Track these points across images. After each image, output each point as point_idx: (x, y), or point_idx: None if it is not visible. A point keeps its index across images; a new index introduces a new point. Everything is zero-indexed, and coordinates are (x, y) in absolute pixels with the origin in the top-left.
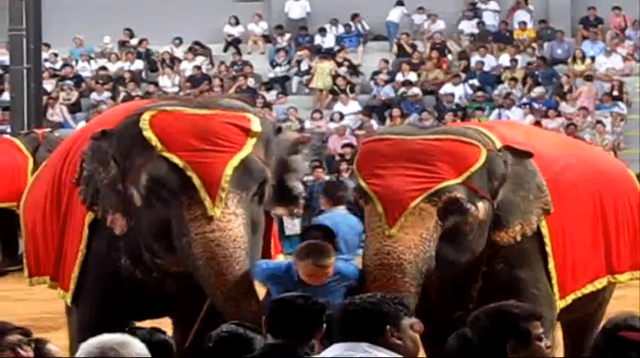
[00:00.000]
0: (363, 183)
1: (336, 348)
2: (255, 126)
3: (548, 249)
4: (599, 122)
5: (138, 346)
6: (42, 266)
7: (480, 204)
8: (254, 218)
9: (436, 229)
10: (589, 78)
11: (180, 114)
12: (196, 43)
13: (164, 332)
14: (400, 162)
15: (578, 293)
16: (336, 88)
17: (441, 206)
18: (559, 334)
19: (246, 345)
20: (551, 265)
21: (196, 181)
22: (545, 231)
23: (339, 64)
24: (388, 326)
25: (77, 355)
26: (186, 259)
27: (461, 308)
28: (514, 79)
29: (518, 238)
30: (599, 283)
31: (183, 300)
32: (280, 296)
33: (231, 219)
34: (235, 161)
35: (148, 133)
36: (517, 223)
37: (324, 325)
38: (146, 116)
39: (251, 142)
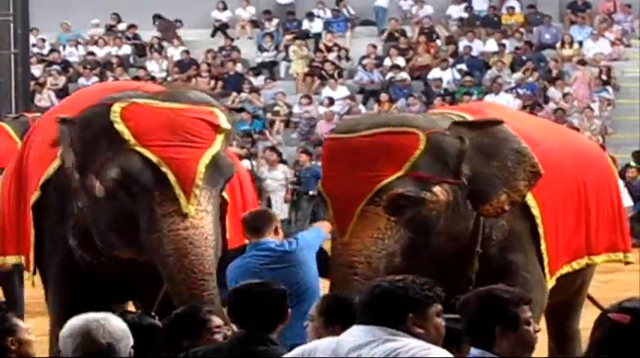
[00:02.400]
0: (320, 187)
1: (355, 331)
2: (224, 122)
3: (541, 230)
4: (587, 107)
5: (117, 321)
6: (6, 246)
7: (437, 188)
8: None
9: (390, 226)
10: (582, 62)
11: (151, 108)
12: (157, 16)
13: (153, 316)
14: (343, 163)
15: (558, 274)
16: (323, 72)
17: (385, 205)
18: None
19: (201, 325)
20: (543, 247)
21: (171, 177)
22: (536, 211)
23: (329, 49)
24: (411, 314)
25: (62, 331)
26: (154, 254)
27: (459, 292)
28: (502, 62)
29: (507, 207)
30: (578, 264)
31: (142, 285)
32: (237, 286)
33: (203, 217)
34: (207, 158)
35: (120, 126)
36: (501, 193)
37: (289, 310)
38: (117, 108)
39: (220, 138)
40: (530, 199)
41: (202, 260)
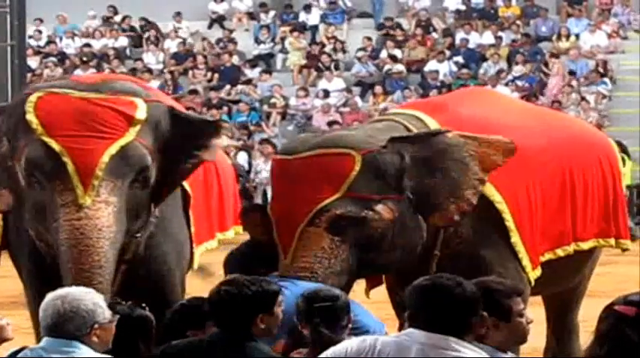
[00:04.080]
0: (269, 208)
1: (415, 335)
2: (140, 113)
3: (509, 223)
4: (583, 99)
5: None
6: None
7: (380, 207)
8: (134, 205)
9: (335, 246)
10: (556, 56)
11: (66, 98)
12: (143, 19)
13: (144, 308)
14: (284, 185)
15: (543, 258)
16: (320, 65)
17: (326, 226)
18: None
19: (207, 316)
20: (514, 239)
21: (70, 168)
22: (502, 206)
23: (328, 39)
24: (474, 318)
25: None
26: (54, 243)
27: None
28: (498, 55)
29: (456, 217)
30: (563, 251)
31: None
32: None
33: (100, 208)
34: (114, 148)
35: (30, 116)
36: (448, 203)
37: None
38: (32, 98)
39: (134, 129)
40: (494, 194)
41: (92, 251)
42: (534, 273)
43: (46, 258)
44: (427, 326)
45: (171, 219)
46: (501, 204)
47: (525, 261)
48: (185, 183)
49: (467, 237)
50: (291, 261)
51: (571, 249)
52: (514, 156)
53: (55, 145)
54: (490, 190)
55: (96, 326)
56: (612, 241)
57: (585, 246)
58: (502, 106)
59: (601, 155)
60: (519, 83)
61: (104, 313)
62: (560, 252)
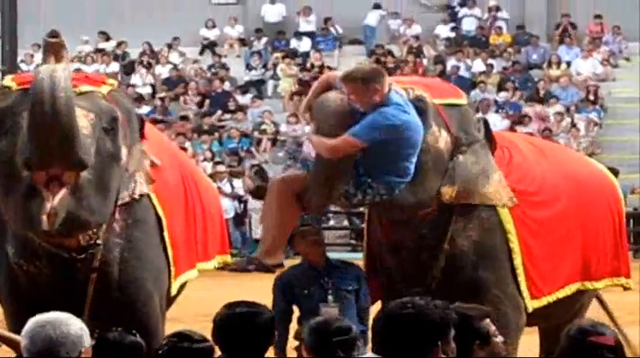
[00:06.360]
0: None
1: None
2: (112, 82)
3: (513, 245)
4: (573, 126)
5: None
6: None
7: (443, 132)
8: (110, 150)
9: None
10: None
11: None
12: (148, 44)
13: (135, 334)
14: None
15: (551, 298)
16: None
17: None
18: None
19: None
20: (517, 261)
21: None
22: (509, 226)
23: (317, 67)
24: (440, 343)
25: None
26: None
27: (420, 285)
28: (483, 83)
29: (446, 198)
30: (569, 289)
31: (79, 298)
32: (225, 310)
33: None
34: (84, 89)
35: (8, 81)
36: (455, 186)
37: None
38: (11, 76)
39: (105, 88)
40: (504, 214)
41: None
42: (532, 303)
43: (25, 282)
44: (388, 354)
45: (147, 245)
46: (509, 225)
47: (523, 286)
48: (159, 208)
49: (471, 256)
50: None
51: (585, 287)
52: (530, 192)
53: (17, 87)
54: (503, 212)
55: (82, 350)
56: (623, 280)
57: (599, 285)
58: (519, 143)
59: (608, 196)
60: (510, 112)
61: (87, 337)
62: (567, 290)
